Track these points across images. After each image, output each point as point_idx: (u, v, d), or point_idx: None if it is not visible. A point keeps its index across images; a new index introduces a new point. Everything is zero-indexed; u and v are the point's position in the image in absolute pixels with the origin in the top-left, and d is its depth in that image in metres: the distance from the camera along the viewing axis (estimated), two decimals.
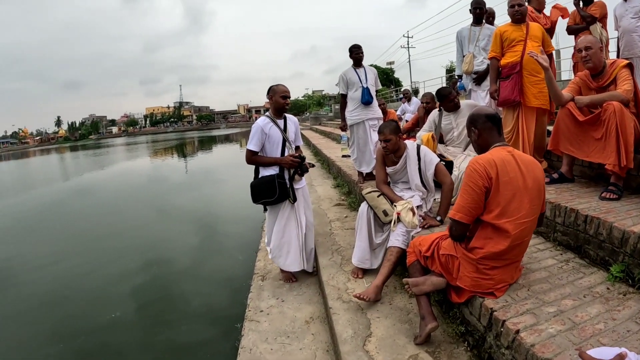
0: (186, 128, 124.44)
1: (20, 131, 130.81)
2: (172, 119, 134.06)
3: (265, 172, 3.56)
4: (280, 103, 3.54)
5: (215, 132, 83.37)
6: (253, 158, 3.54)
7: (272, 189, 3.47)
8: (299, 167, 3.58)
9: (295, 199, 3.63)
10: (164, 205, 11.91)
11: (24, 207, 13.70)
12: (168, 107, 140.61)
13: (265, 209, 3.69)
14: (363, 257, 3.39)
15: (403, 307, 2.82)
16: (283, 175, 3.56)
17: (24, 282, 6.45)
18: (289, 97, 3.59)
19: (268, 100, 3.63)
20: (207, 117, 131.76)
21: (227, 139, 53.58)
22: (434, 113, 4.57)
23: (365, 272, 3.43)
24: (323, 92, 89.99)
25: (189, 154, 33.27)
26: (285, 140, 3.58)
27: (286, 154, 3.58)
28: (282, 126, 3.60)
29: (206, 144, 45.65)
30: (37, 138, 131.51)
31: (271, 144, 3.55)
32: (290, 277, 3.81)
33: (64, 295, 5.74)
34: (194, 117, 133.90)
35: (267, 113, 3.69)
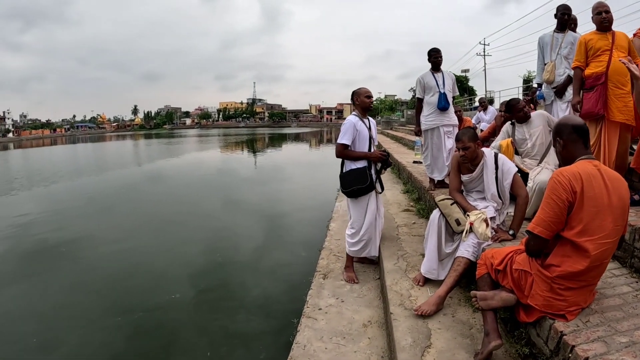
0: (258, 124, 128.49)
1: (99, 117, 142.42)
2: (245, 115, 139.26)
3: (352, 165, 3.89)
4: (366, 102, 3.93)
5: (286, 130, 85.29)
6: (344, 152, 3.87)
7: (364, 178, 3.81)
8: (385, 162, 3.95)
9: (382, 189, 4.07)
10: (231, 196, 12.46)
11: (99, 187, 14.94)
12: (241, 103, 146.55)
13: (357, 196, 3.90)
14: (431, 267, 3.41)
15: (466, 321, 2.80)
16: (371, 168, 3.89)
17: (93, 255, 7.03)
18: (372, 97, 3.95)
19: (353, 104, 4.00)
20: (278, 115, 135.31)
21: (297, 137, 54.74)
22: (507, 125, 4.47)
23: (427, 279, 3.43)
24: (395, 97, 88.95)
25: (259, 150, 34.31)
26: (370, 137, 3.91)
27: (372, 149, 3.96)
28: (367, 125, 3.92)
29: (276, 141, 46.84)
30: (114, 124, 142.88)
31: (360, 140, 3.89)
32: (353, 278, 3.93)
33: (128, 272, 6.20)
34: (266, 114, 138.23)
35: (354, 112, 4.00)
